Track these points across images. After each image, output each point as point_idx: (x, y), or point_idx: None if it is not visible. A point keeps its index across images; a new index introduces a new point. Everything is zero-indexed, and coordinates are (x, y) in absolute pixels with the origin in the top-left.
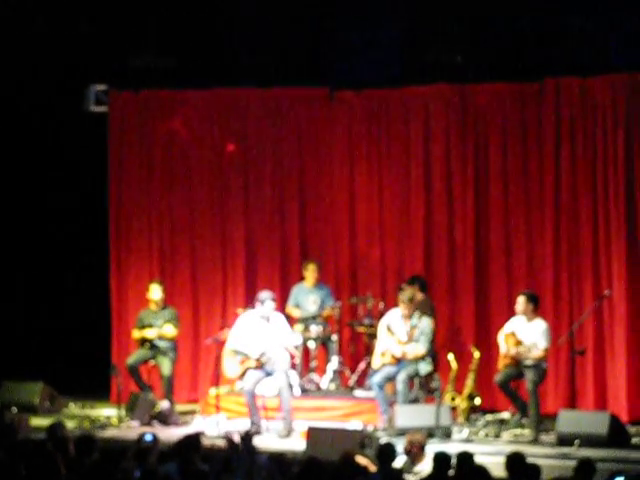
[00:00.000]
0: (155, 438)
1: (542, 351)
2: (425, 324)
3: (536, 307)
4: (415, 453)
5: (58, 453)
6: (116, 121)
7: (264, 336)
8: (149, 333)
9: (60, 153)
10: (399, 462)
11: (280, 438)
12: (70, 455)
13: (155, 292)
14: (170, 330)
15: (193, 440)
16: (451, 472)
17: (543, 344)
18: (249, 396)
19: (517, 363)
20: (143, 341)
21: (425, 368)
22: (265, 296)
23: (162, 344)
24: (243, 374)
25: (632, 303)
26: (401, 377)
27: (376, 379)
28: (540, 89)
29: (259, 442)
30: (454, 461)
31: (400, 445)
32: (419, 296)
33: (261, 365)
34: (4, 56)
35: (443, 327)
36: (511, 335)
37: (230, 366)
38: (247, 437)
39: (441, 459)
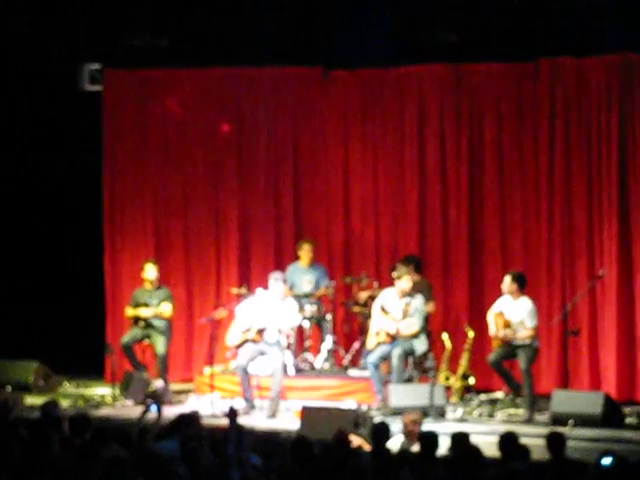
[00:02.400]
0: (160, 409)
1: (531, 330)
2: (419, 302)
3: (522, 287)
4: (413, 433)
5: (53, 432)
6: (110, 100)
7: (271, 314)
8: (144, 312)
9: (54, 132)
10: (395, 442)
11: (267, 418)
12: (64, 434)
13: (150, 272)
14: (168, 309)
15: (189, 419)
16: (442, 452)
17: (531, 323)
18: (242, 372)
19: (509, 343)
20: (137, 320)
21: (420, 347)
22: (273, 276)
23: (157, 323)
24: (241, 344)
25: (624, 283)
26: (396, 352)
27: (371, 358)
28: (535, 69)
29: (252, 421)
30: (449, 441)
31: (394, 424)
32: (414, 277)
33: (260, 340)
34: None
35: (437, 306)
36: (499, 315)
37: (233, 334)
38: (232, 414)
39: (428, 439)
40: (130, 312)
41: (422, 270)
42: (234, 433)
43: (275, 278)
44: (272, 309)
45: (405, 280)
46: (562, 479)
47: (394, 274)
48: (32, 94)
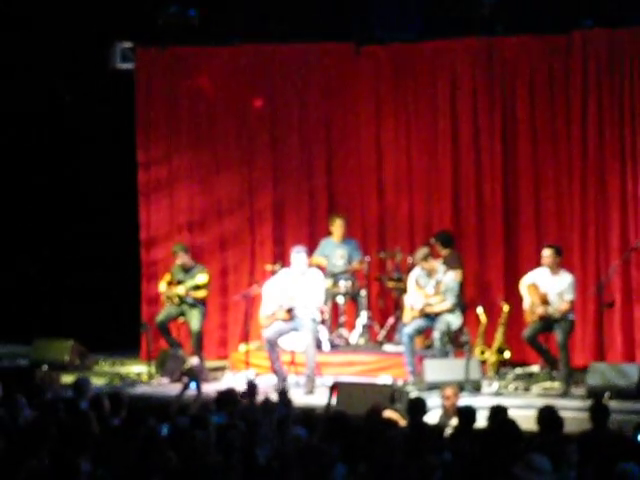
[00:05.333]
0: (199, 386)
1: (568, 303)
2: (450, 279)
3: (561, 260)
4: (450, 407)
5: (92, 411)
6: (142, 78)
7: (297, 289)
8: (179, 289)
9: (87, 111)
10: (432, 417)
11: (304, 394)
12: (105, 412)
13: (178, 258)
14: (203, 279)
15: (228, 395)
16: (479, 425)
17: (569, 296)
18: (269, 347)
19: (546, 317)
20: (170, 297)
21: (455, 322)
22: (294, 250)
23: (191, 299)
24: (273, 321)
25: None
26: (436, 335)
27: (407, 330)
28: (567, 42)
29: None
30: (487, 414)
31: (430, 399)
32: (443, 252)
33: (290, 318)
34: (30, 15)
35: (472, 281)
36: (534, 287)
37: (263, 313)
38: (283, 393)
39: (466, 413)
40: (162, 288)
41: (452, 244)
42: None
43: (297, 251)
44: (297, 284)
45: (424, 263)
46: (603, 450)
47: (410, 260)
48: (65, 73)
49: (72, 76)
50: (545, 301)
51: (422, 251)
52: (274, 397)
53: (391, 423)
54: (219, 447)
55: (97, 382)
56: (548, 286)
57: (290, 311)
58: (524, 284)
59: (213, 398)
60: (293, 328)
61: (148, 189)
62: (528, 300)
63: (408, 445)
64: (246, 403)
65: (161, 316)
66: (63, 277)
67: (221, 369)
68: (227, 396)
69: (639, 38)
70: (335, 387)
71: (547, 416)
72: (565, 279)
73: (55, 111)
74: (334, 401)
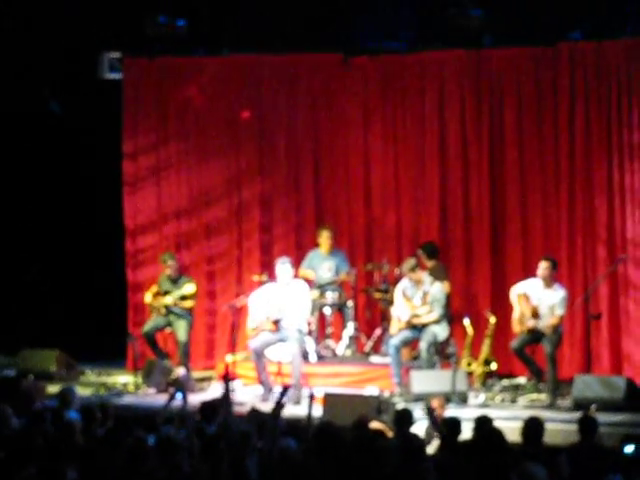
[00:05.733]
0: (185, 397)
1: (558, 318)
2: (436, 290)
3: (556, 274)
4: (437, 419)
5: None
6: (130, 88)
7: (283, 301)
8: (167, 299)
9: (74, 121)
10: (419, 428)
11: (291, 405)
12: (96, 422)
13: (166, 267)
14: (191, 289)
15: (211, 407)
16: (465, 436)
17: (560, 311)
18: (256, 357)
19: (534, 330)
20: (157, 308)
21: (442, 333)
22: (279, 260)
23: (178, 310)
24: (259, 332)
25: None
26: (423, 346)
27: (393, 341)
28: (554, 53)
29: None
30: (472, 425)
31: (417, 411)
32: (428, 263)
33: (277, 329)
34: (17, 24)
35: (459, 292)
36: (525, 298)
37: (250, 324)
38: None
39: (451, 424)
40: (148, 298)
41: (437, 255)
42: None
43: (282, 262)
44: (283, 296)
45: (411, 274)
46: (590, 462)
47: (397, 271)
48: (52, 83)
49: (59, 86)
50: (535, 314)
51: (409, 262)
52: (262, 407)
53: (379, 434)
54: (208, 457)
55: (83, 392)
56: (540, 299)
57: (276, 322)
58: (515, 292)
59: (198, 408)
60: (279, 339)
61: (135, 198)
62: (518, 310)
63: (396, 456)
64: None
65: (148, 326)
66: (49, 287)
67: (208, 379)
68: (212, 407)
69: (626, 50)
70: (313, 396)
71: (532, 428)
72: (558, 293)
73: (40, 121)
74: (315, 411)
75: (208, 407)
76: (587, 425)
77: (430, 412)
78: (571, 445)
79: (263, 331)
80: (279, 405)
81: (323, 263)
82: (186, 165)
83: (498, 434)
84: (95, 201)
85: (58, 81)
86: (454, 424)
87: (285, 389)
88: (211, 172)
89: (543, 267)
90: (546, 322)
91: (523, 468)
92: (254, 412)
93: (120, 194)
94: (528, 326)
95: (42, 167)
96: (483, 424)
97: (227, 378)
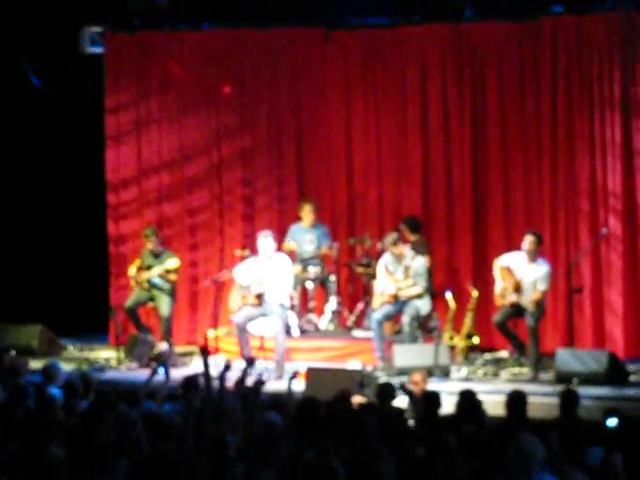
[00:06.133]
0: (168, 372)
1: (540, 293)
2: (419, 264)
3: (540, 248)
4: (419, 393)
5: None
6: (112, 63)
7: (265, 276)
8: (152, 272)
9: (56, 95)
10: (401, 402)
11: (274, 380)
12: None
13: (149, 242)
14: (173, 263)
15: (193, 381)
16: (446, 410)
17: (543, 286)
18: (239, 331)
19: (516, 304)
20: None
21: (424, 307)
22: (261, 234)
23: (161, 285)
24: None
25: (628, 241)
26: (405, 320)
27: (376, 315)
28: (537, 28)
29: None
30: (456, 398)
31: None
32: (411, 237)
33: (259, 304)
34: None
35: (441, 267)
36: (507, 272)
37: (235, 299)
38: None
39: (430, 398)
40: (132, 272)
41: (420, 229)
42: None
43: (264, 235)
44: (265, 270)
45: (393, 248)
46: (572, 436)
47: (379, 245)
48: (33, 57)
49: (41, 60)
50: (518, 288)
51: (391, 236)
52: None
53: (366, 407)
54: (192, 432)
55: (66, 367)
56: (524, 273)
57: (259, 296)
58: (498, 265)
59: (179, 384)
60: (262, 313)
61: (116, 174)
62: (500, 283)
63: (378, 429)
64: (217, 386)
65: (130, 301)
66: (31, 261)
67: (190, 354)
68: (193, 382)
69: (608, 24)
70: (297, 373)
71: (516, 401)
72: (542, 268)
73: (22, 96)
74: (297, 387)
75: (190, 382)
76: (568, 399)
77: (404, 389)
78: (553, 419)
79: (246, 305)
80: (259, 381)
81: (305, 236)
82: (167, 138)
83: (479, 406)
84: (79, 178)
85: (39, 56)
86: (434, 398)
87: (251, 361)
88: (192, 146)
89: (529, 241)
90: (528, 297)
91: (520, 440)
92: (239, 386)
93: (103, 171)
94: (510, 300)
95: (23, 138)
96: (467, 398)
97: (205, 351)
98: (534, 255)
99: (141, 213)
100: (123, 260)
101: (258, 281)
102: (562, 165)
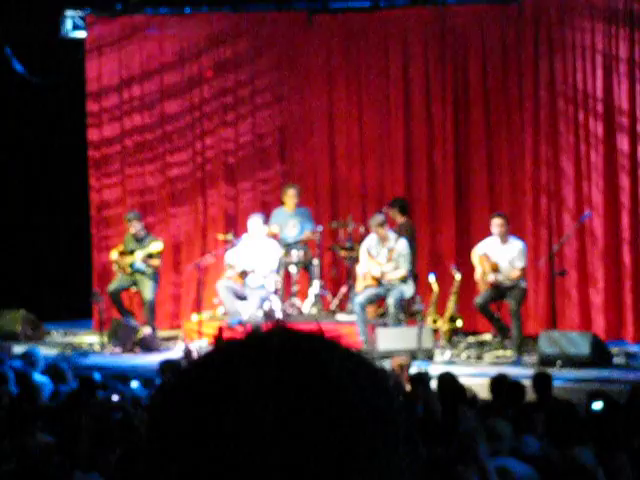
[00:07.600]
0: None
1: (519, 270)
2: (402, 246)
3: (509, 227)
4: (401, 377)
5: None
6: (93, 46)
7: (253, 256)
8: (136, 256)
9: (37, 79)
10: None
11: None
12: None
13: (131, 227)
14: (156, 247)
15: (173, 365)
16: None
17: (520, 264)
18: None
19: (497, 285)
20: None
21: (408, 291)
22: (252, 217)
23: (144, 269)
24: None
25: (610, 224)
26: (390, 301)
27: (359, 299)
28: (519, 10)
29: None
30: (435, 382)
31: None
32: (399, 219)
33: (241, 282)
34: None
35: (424, 249)
36: (485, 257)
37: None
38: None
39: (418, 379)
40: (114, 256)
41: (408, 212)
42: None
43: (256, 218)
44: (253, 251)
45: (379, 229)
46: (548, 419)
47: (362, 229)
48: (14, 41)
49: (22, 44)
50: (496, 269)
51: (378, 217)
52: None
53: None
54: None
55: (49, 352)
56: (499, 255)
57: (243, 275)
58: (476, 254)
59: (156, 368)
60: (242, 297)
61: (98, 158)
62: (479, 270)
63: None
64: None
65: (113, 286)
66: (13, 246)
67: (174, 339)
68: (170, 366)
69: (590, 6)
70: None
71: (499, 384)
72: (515, 246)
73: (3, 79)
74: None
75: (169, 366)
76: (541, 382)
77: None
78: (528, 403)
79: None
80: None
81: (288, 221)
82: (148, 122)
83: (462, 390)
84: (62, 161)
85: (20, 40)
86: (420, 379)
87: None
88: (174, 131)
89: (497, 224)
90: (506, 275)
91: (488, 425)
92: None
93: (85, 155)
94: (489, 281)
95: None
96: (446, 382)
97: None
98: (505, 236)
99: (124, 195)
100: (106, 244)
101: (244, 261)
102: (545, 146)
